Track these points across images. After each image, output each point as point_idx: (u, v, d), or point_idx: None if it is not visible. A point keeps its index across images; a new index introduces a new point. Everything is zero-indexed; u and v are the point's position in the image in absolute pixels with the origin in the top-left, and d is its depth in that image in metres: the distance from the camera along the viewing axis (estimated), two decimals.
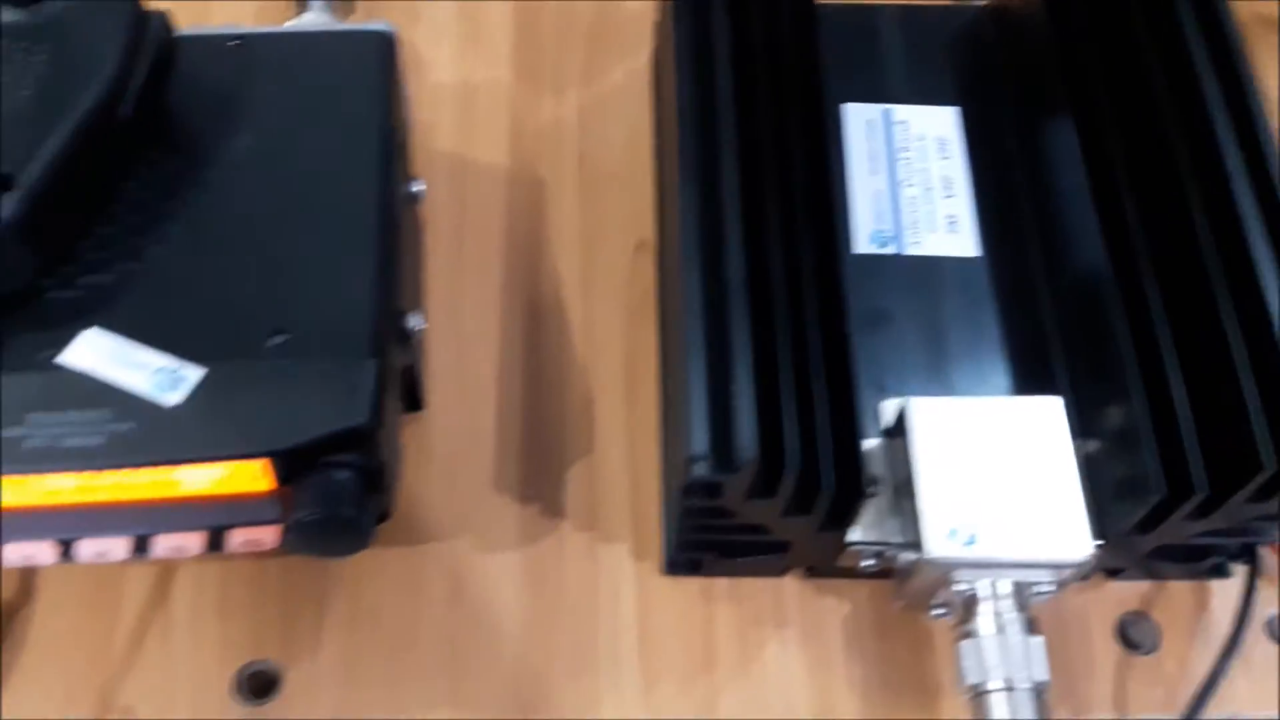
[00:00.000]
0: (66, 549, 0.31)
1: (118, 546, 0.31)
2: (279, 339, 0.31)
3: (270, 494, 0.31)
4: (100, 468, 0.29)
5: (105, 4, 0.34)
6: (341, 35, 0.39)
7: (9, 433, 0.29)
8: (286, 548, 0.31)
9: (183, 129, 0.35)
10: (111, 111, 0.32)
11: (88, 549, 0.31)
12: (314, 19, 0.42)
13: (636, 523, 0.37)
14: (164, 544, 0.31)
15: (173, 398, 0.29)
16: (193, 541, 0.31)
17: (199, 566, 0.36)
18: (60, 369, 0.30)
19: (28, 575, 0.36)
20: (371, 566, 0.36)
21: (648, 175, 0.44)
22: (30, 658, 0.34)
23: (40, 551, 0.31)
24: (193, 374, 0.30)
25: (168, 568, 0.36)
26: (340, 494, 0.29)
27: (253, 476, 0.30)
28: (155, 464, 0.29)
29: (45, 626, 0.35)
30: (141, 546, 0.31)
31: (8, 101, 0.31)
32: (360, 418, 0.29)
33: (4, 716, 0.34)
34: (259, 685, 0.34)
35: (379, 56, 0.38)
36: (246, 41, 0.38)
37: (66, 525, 0.30)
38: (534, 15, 0.48)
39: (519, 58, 0.47)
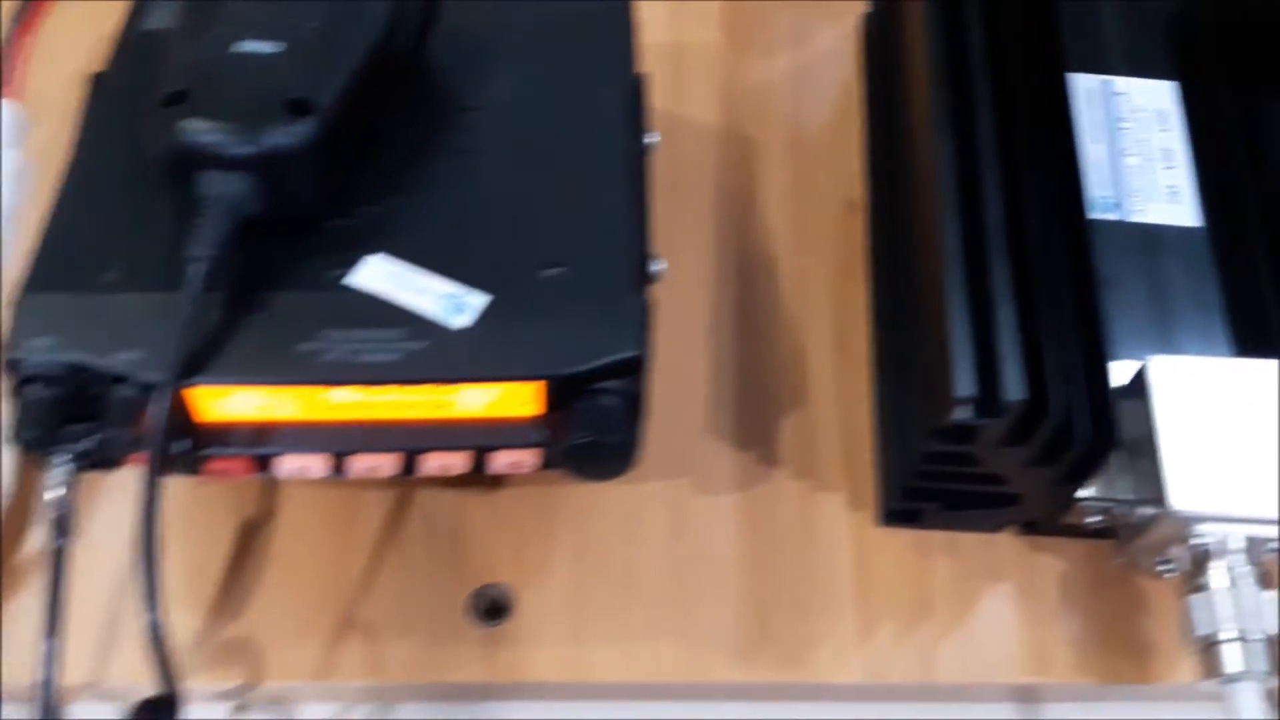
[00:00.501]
0: (338, 464, 0.32)
1: (387, 463, 0.32)
2: (550, 272, 0.32)
3: (536, 419, 0.32)
4: (398, 382, 0.30)
5: None
6: None
7: (305, 346, 0.30)
8: (556, 469, 0.32)
9: (442, 71, 0.36)
10: (391, 46, 0.34)
11: (360, 464, 0.32)
12: None
13: (850, 474, 0.38)
14: (432, 462, 0.32)
15: (461, 320, 0.31)
16: (459, 461, 0.32)
17: (431, 495, 0.37)
18: (348, 290, 0.32)
19: (269, 496, 0.37)
20: (596, 502, 0.37)
21: (855, 137, 0.45)
22: (273, 574, 0.36)
23: (314, 464, 0.32)
24: (477, 300, 0.31)
25: (403, 495, 0.37)
26: (612, 419, 0.31)
27: (524, 400, 0.31)
28: (450, 381, 0.30)
29: (286, 546, 0.37)
30: (409, 464, 0.33)
31: (297, 31, 0.33)
32: (633, 348, 0.31)
33: (248, 630, 0.35)
34: (493, 608, 0.36)
35: (618, 14, 0.39)
36: None
37: (340, 440, 0.32)
38: None
39: (728, 20, 0.48)
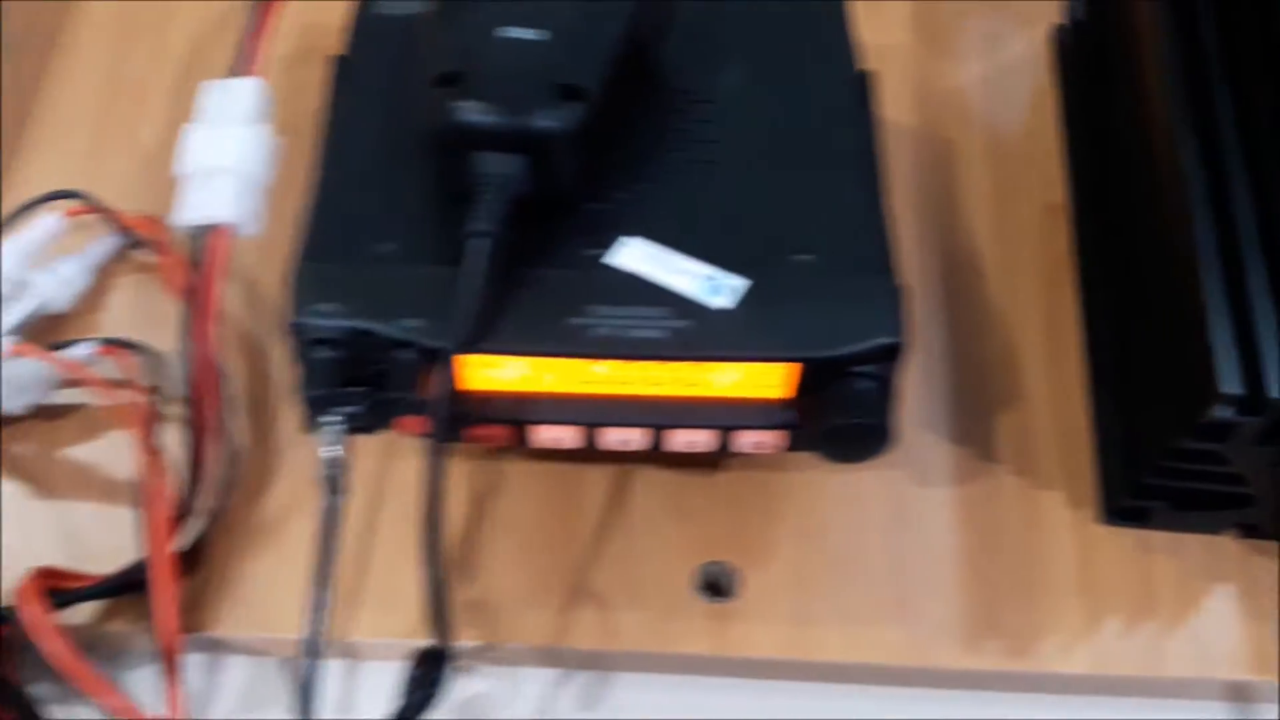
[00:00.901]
0: (589, 435, 0.33)
1: (637, 437, 0.33)
2: (802, 257, 0.33)
3: (783, 400, 0.33)
4: (666, 358, 0.31)
5: None
6: None
7: (575, 320, 0.31)
8: (802, 450, 0.33)
9: (679, 61, 0.37)
10: (639, 36, 0.35)
11: (612, 437, 0.33)
12: None
13: (1067, 472, 0.38)
14: (679, 438, 0.33)
15: (721, 301, 0.32)
16: (705, 439, 0.33)
17: (652, 472, 0.38)
18: (611, 269, 0.33)
19: (495, 465, 0.38)
20: (815, 487, 0.38)
21: (1052, 142, 0.45)
22: (504, 541, 0.37)
23: (568, 435, 0.33)
24: (737, 282, 0.32)
25: (622, 472, 0.38)
26: (871, 403, 0.31)
27: (775, 381, 0.32)
28: (714, 359, 0.31)
29: (514, 514, 0.37)
30: (656, 440, 0.33)
31: (557, 19, 0.34)
32: (892, 334, 0.31)
33: (482, 593, 0.36)
34: (717, 585, 0.37)
35: (834, 11, 0.40)
36: None
37: (594, 413, 0.33)
38: None
39: (919, 23, 0.48)
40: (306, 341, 0.31)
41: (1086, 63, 0.45)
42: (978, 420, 0.40)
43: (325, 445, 0.31)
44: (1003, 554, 0.37)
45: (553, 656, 0.36)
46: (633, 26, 0.35)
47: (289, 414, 0.38)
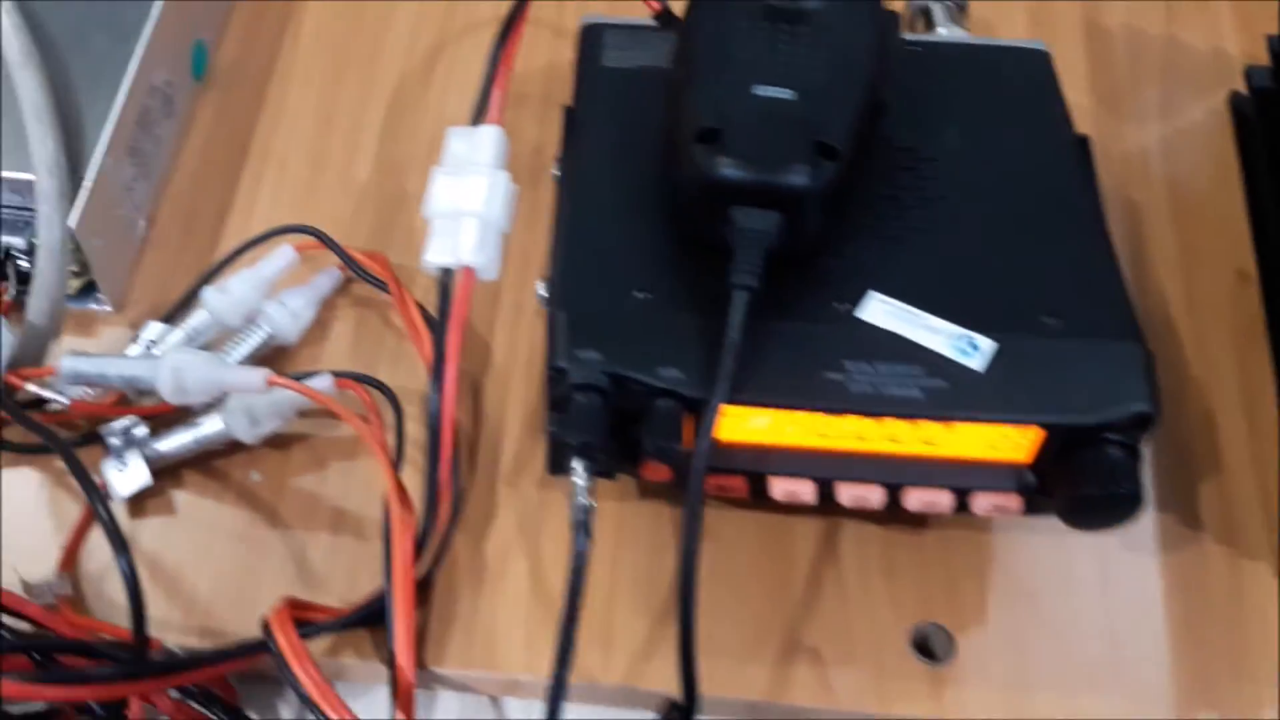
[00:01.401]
0: (825, 490, 0.34)
1: (874, 494, 0.34)
2: (1047, 320, 0.33)
3: (1025, 464, 0.33)
4: (924, 417, 0.31)
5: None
6: (1005, 49, 0.42)
7: (832, 375, 0.32)
8: (1040, 514, 0.33)
9: (900, 118, 0.38)
10: (876, 94, 0.36)
11: (849, 492, 0.33)
12: (953, 33, 0.45)
13: (1273, 542, 0.39)
14: (917, 497, 0.33)
15: (975, 363, 0.32)
16: (944, 499, 0.33)
17: (860, 527, 0.38)
18: (861, 323, 0.33)
19: (706, 515, 0.38)
20: (1023, 548, 0.38)
21: (1237, 208, 0.45)
22: (717, 590, 0.37)
23: (806, 489, 0.34)
24: (986, 344, 0.32)
25: (831, 525, 0.38)
26: (1123, 472, 0.31)
27: (1017, 444, 0.32)
28: (970, 420, 0.31)
29: (726, 565, 0.38)
30: (893, 498, 0.34)
31: (804, 77, 0.34)
32: (1145, 403, 0.31)
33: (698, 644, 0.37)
34: (931, 646, 0.37)
35: (1043, 70, 0.41)
36: (926, 49, 0.41)
37: (833, 467, 0.33)
38: (1106, 46, 0.50)
39: (1097, 86, 0.49)
40: (567, 387, 0.32)
41: (1274, 129, 0.46)
42: (1180, 487, 0.39)
43: (576, 489, 0.32)
44: (1212, 622, 0.37)
45: (767, 710, 0.36)
46: (873, 83, 0.36)
47: (504, 452, 0.39)
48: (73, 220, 0.37)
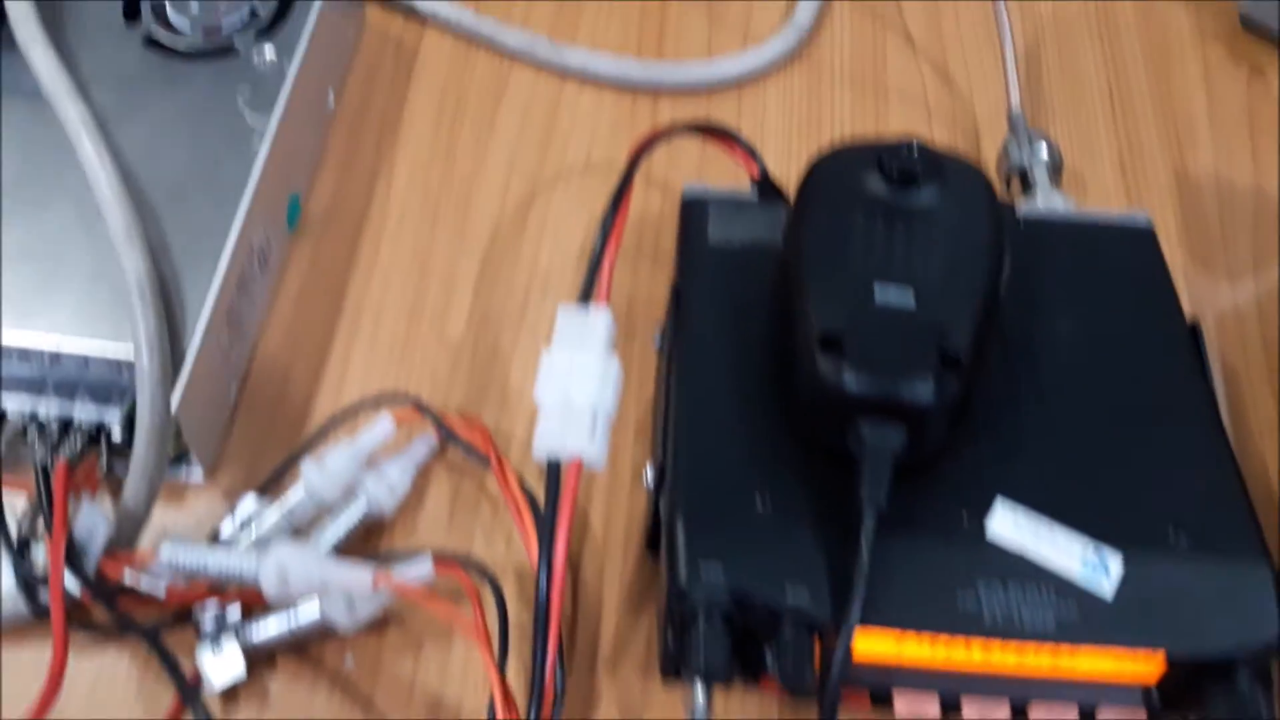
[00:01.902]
0: (949, 704, 0.33)
1: (999, 710, 0.33)
2: (1173, 533, 0.33)
3: (1149, 684, 0.32)
4: (1058, 642, 0.31)
5: (970, 186, 0.37)
6: (1110, 226, 0.41)
7: (962, 596, 0.31)
8: None
9: (1008, 304, 0.37)
10: (998, 289, 0.35)
11: (974, 709, 0.33)
12: (1052, 199, 0.44)
13: None
14: (1042, 713, 0.33)
15: (1105, 585, 0.31)
16: (1069, 715, 0.33)
17: None
18: (988, 539, 0.32)
19: None
20: None
21: None
22: None
23: (930, 706, 0.33)
24: (1114, 562, 0.32)
25: None
26: (1251, 701, 0.30)
27: (1146, 667, 0.32)
28: (1100, 645, 0.31)
29: None
30: (1019, 712, 0.33)
31: (927, 273, 0.34)
32: (1272, 635, 0.31)
33: None
34: None
35: (1149, 248, 0.40)
36: (1029, 226, 0.41)
37: (956, 683, 0.32)
38: (1196, 196, 0.49)
39: (1188, 238, 0.48)
40: (691, 603, 0.31)
41: None
42: None
43: (695, 707, 0.31)
44: None
45: None
46: (992, 281, 0.35)
47: (603, 634, 0.38)
48: (175, 402, 0.36)
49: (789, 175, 0.48)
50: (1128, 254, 0.40)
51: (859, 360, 0.32)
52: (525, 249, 0.46)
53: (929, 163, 0.36)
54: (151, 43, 0.44)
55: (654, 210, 0.48)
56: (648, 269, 0.46)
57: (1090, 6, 0.55)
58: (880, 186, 0.36)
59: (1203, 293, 0.47)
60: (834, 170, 0.37)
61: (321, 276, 0.46)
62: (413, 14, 0.52)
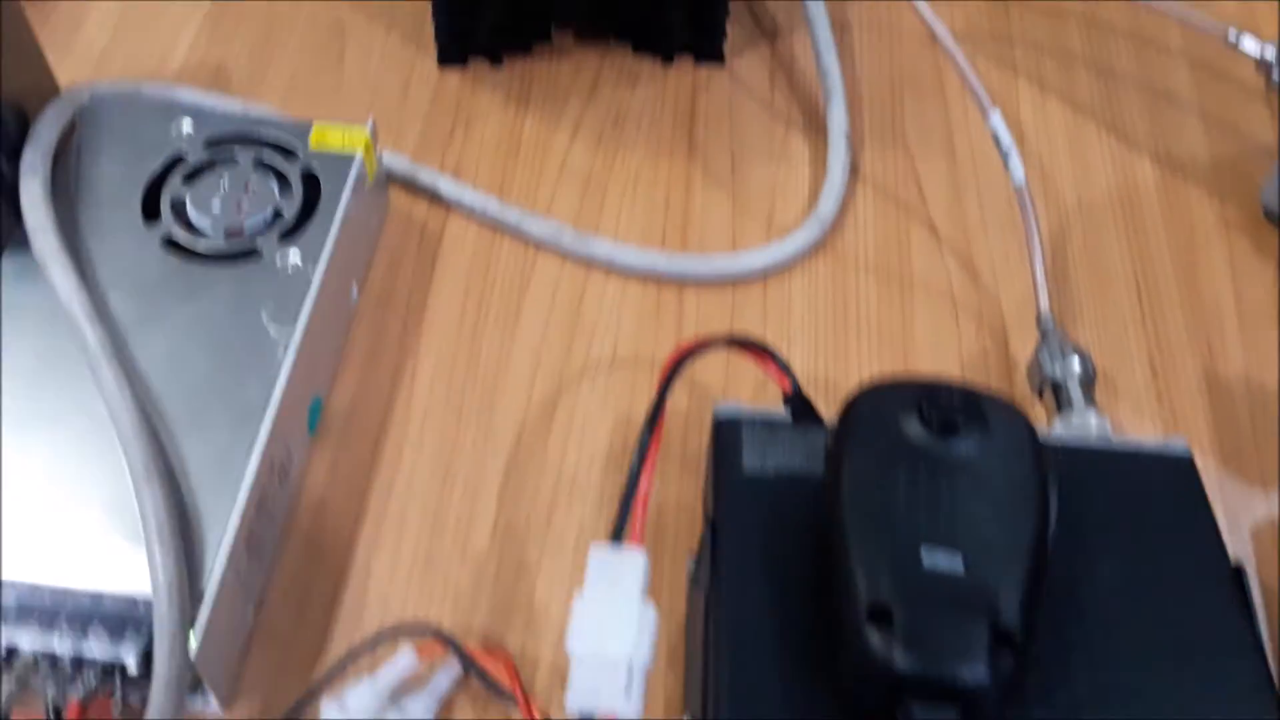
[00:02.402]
0: None
1: None
2: None
3: None
4: None
5: (1013, 433, 0.36)
6: (1148, 456, 0.40)
7: None
8: None
9: (1053, 549, 0.36)
10: (1047, 547, 0.34)
11: None
12: (1087, 419, 0.44)
13: None
14: None
15: None
16: None
17: None
18: None
19: None
20: None
21: None
22: None
23: None
24: None
25: None
26: None
27: None
28: None
29: None
30: None
31: (976, 536, 0.33)
32: None
33: None
34: None
35: (1189, 480, 0.39)
36: (1066, 455, 0.40)
37: None
38: (1227, 399, 0.48)
39: (1219, 444, 0.47)
40: None
41: None
42: None
43: None
44: None
45: None
46: (1041, 540, 0.34)
47: None
48: (193, 646, 0.35)
49: (817, 371, 0.48)
50: (1168, 487, 0.39)
51: (909, 636, 0.31)
52: (551, 452, 0.46)
53: (970, 409, 0.35)
54: (171, 244, 0.44)
55: (679, 408, 0.47)
56: (675, 471, 0.45)
57: (1114, 194, 0.55)
58: (921, 434, 0.35)
59: (1237, 500, 0.46)
60: (872, 413, 0.36)
61: (341, 483, 0.44)
62: (437, 199, 0.52)
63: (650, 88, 0.58)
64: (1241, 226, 0.54)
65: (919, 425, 0.35)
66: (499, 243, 0.52)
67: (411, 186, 0.52)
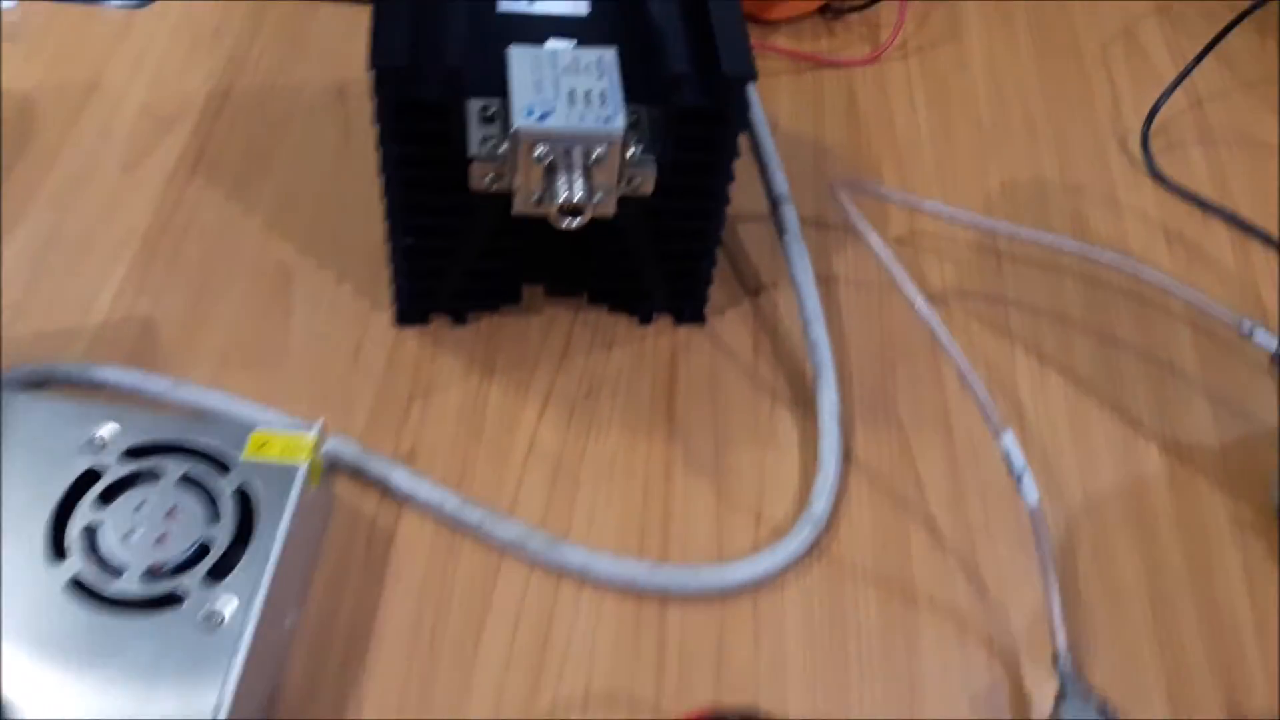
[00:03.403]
0: None
1: None
2: None
3: None
4: None
5: None
6: None
7: None
8: None
9: None
10: None
11: None
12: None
13: None
14: None
15: None
16: None
17: None
18: None
19: None
20: None
21: None
22: None
23: None
24: None
25: None
26: None
27: None
28: None
29: None
30: None
31: None
32: None
33: None
34: None
35: None
36: None
37: None
38: None
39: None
40: None
41: None
42: None
43: None
44: None
45: None
46: None
47: None
48: None
49: (815, 705, 0.43)
50: None
51: None
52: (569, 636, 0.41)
53: None
54: (79, 587, 0.38)
55: None
56: None
57: (1121, 487, 0.51)
58: None
59: None
60: None
61: (342, 628, 0.41)
62: (388, 492, 0.47)
63: (627, 350, 0.53)
64: (1255, 527, 0.50)
65: None
66: (458, 545, 0.46)
67: (360, 476, 0.47)
